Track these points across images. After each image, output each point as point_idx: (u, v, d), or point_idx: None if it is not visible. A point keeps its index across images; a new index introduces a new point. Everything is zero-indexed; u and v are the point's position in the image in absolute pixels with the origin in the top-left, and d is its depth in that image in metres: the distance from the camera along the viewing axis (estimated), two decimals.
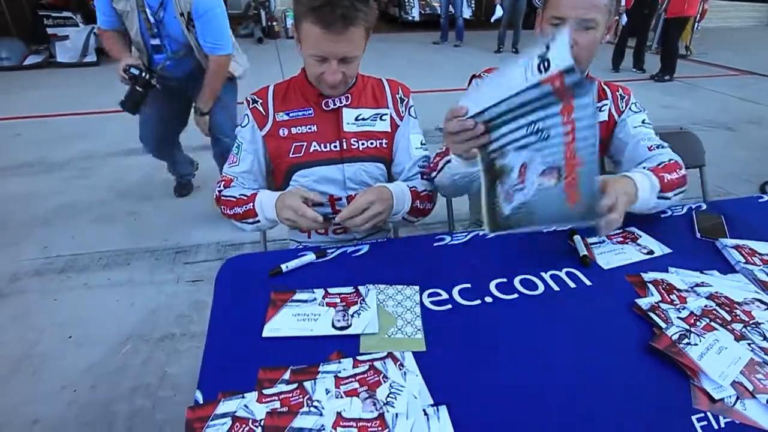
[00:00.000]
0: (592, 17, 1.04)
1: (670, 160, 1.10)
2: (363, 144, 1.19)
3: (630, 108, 1.26)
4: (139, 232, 2.56)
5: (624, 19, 5.95)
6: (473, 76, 1.22)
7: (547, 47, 0.73)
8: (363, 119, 1.19)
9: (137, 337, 1.84)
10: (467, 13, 8.93)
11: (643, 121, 1.23)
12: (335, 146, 1.17)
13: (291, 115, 1.16)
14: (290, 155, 1.17)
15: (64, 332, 1.85)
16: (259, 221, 1.10)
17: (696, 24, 7.31)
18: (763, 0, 10.17)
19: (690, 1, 5.32)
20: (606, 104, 1.25)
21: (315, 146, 1.16)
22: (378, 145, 1.21)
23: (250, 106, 1.18)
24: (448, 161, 1.05)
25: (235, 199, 1.12)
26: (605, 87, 1.27)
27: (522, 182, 0.85)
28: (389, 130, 1.21)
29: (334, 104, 1.16)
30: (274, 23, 8.53)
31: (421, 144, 1.25)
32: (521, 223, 0.85)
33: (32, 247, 2.40)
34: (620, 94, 1.27)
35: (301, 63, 1.14)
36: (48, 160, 3.43)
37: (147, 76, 2.06)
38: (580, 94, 0.74)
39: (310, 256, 0.99)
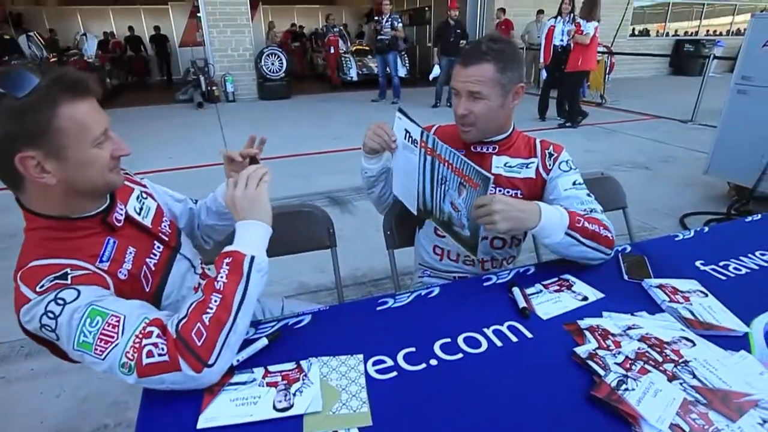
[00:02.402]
0: (477, 90, 1.16)
1: (598, 219, 1.13)
2: (165, 224, 1.06)
3: (559, 166, 1.24)
4: None
5: (544, 74, 6.60)
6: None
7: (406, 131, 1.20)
8: (142, 208, 1.02)
9: None
10: (402, 72, 9.45)
11: (574, 183, 1.22)
12: (158, 246, 1.00)
13: (104, 259, 0.88)
14: (147, 288, 0.95)
15: None
16: (250, 262, 0.83)
17: (606, 76, 8.15)
18: (661, 55, 11.93)
19: (584, 58, 5.92)
20: (534, 162, 1.27)
21: (151, 261, 0.97)
22: (167, 220, 1.08)
23: (70, 278, 0.79)
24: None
25: (197, 302, 0.80)
26: (537, 145, 1.29)
27: (457, 209, 1.14)
28: (156, 202, 1.08)
29: (120, 215, 0.93)
30: (214, 88, 8.61)
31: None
32: (478, 233, 1.12)
33: None
34: (549, 152, 1.26)
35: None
36: None
37: None
38: (437, 144, 1.11)
39: (262, 341, 0.89)
